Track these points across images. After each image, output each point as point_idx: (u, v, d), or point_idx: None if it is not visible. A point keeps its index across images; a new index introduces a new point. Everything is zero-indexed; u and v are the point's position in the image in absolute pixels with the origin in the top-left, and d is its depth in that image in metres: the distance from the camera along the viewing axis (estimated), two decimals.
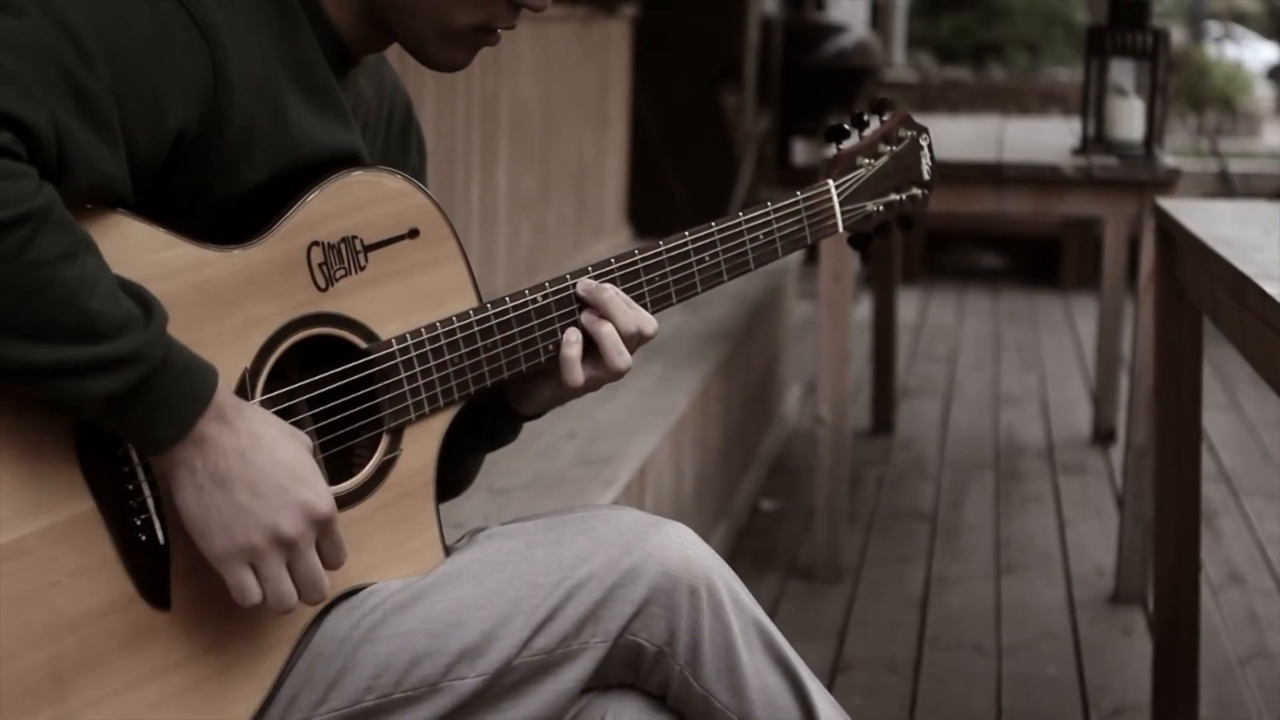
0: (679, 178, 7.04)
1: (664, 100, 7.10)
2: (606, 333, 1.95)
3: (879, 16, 13.38)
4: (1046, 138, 5.45)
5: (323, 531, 1.71)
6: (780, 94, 9.18)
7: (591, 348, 1.95)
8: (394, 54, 2.00)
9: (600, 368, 1.96)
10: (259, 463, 1.67)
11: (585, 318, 1.95)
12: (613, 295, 1.95)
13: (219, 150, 1.72)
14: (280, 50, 1.78)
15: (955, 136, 5.27)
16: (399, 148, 2.07)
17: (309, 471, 1.70)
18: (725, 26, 7.39)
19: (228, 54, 1.71)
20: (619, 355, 1.95)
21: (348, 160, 1.84)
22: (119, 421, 1.62)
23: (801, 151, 9.54)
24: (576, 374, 1.95)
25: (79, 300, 1.55)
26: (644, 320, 1.97)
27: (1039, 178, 4.59)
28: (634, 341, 1.97)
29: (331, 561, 1.73)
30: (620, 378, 1.97)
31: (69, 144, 1.58)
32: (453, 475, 2.04)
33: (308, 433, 1.85)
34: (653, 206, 6.85)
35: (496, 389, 1.97)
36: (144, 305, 1.61)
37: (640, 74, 6.96)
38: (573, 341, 1.94)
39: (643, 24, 6.94)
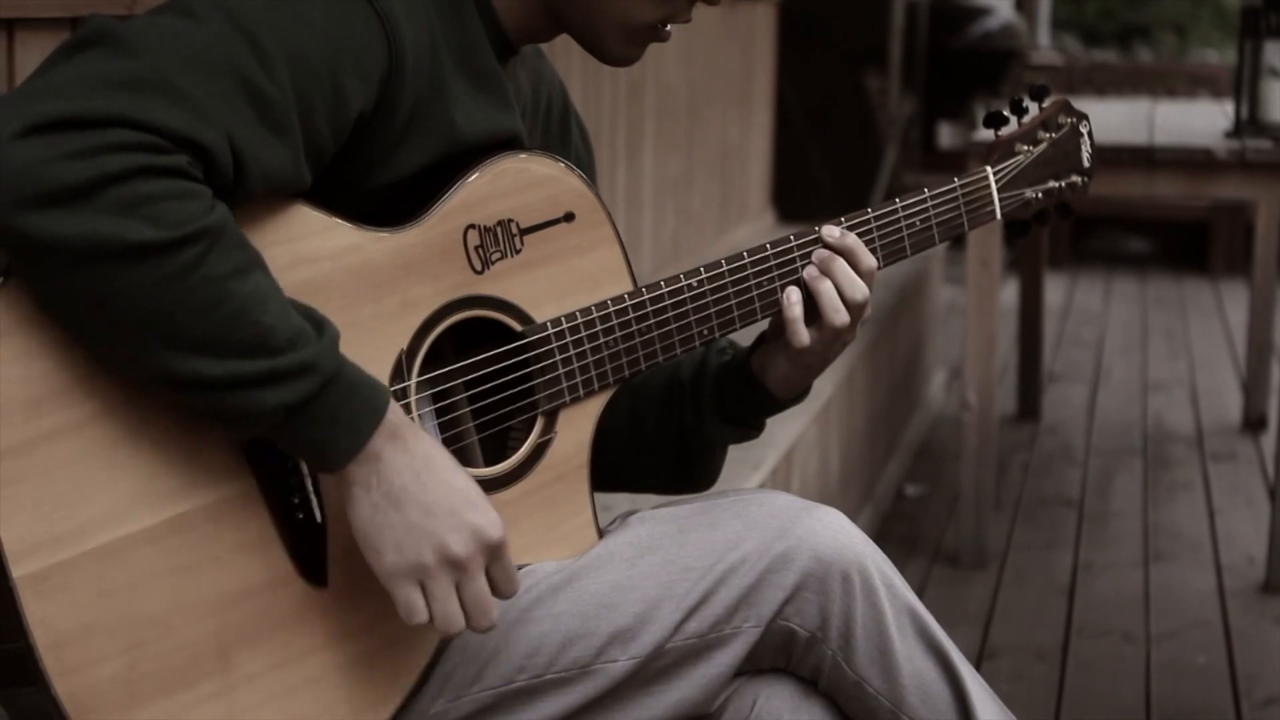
0: (823, 162, 7.01)
1: (808, 84, 7.06)
2: (825, 289, 1.96)
3: None
4: (1197, 120, 5.38)
5: (492, 557, 1.69)
6: (925, 77, 9.11)
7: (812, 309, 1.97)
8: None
9: (822, 328, 1.96)
10: (432, 484, 1.66)
11: (809, 273, 1.97)
12: (840, 255, 1.97)
13: (387, 133, 1.74)
14: (446, 32, 1.79)
15: (1105, 119, 5.21)
16: (558, 137, 2.08)
17: (481, 499, 1.69)
18: (870, 9, 7.33)
19: (403, 40, 1.72)
20: (835, 313, 1.95)
21: (507, 144, 1.85)
22: (293, 437, 1.62)
23: (946, 135, 9.45)
24: (802, 335, 1.95)
25: (251, 315, 1.56)
26: (869, 260, 1.99)
27: (1191, 160, 4.53)
28: (857, 309, 1.97)
29: (503, 590, 1.71)
30: (845, 336, 1.97)
31: (245, 155, 1.59)
32: (698, 471, 2.08)
33: (462, 414, 1.87)
34: (797, 191, 6.81)
35: (744, 377, 2.00)
36: (315, 322, 1.63)
37: (784, 57, 6.93)
38: (794, 302, 1.96)
39: (787, 7, 6.91)
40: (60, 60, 1.55)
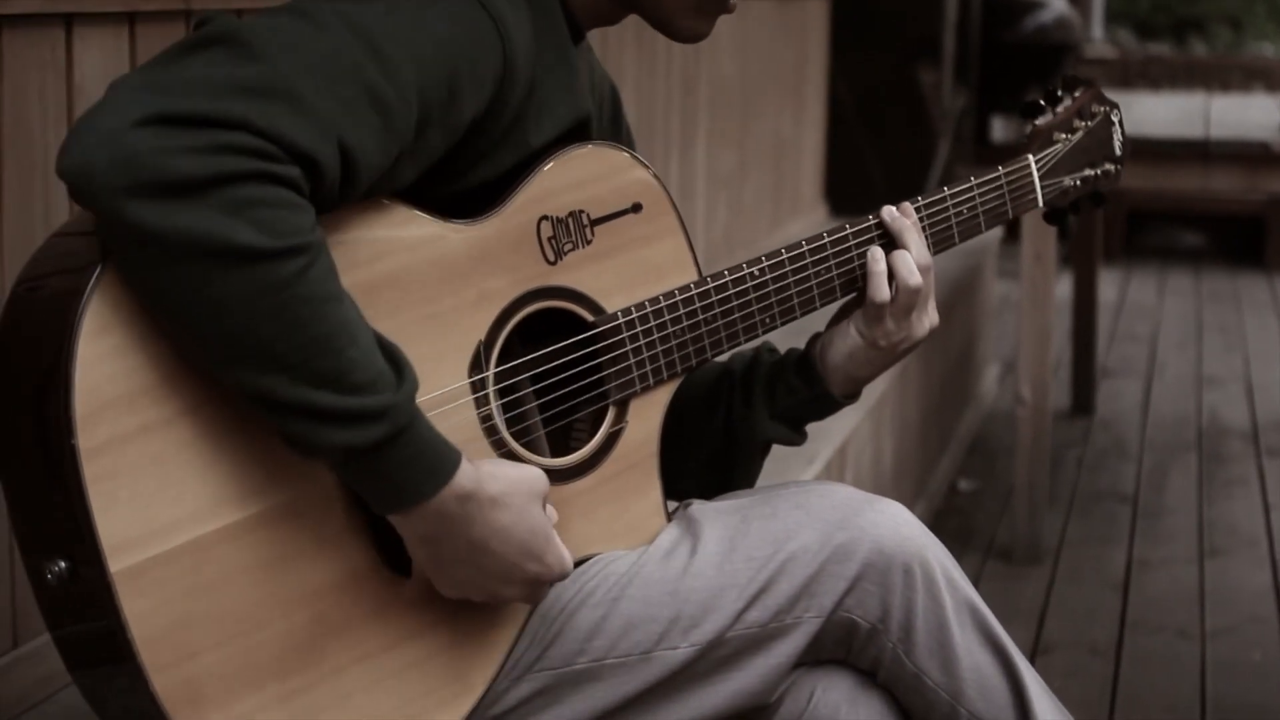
0: (875, 156, 7.00)
1: (861, 78, 7.06)
2: (900, 255, 1.98)
3: None
4: (1253, 114, 5.37)
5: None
6: (978, 71, 9.08)
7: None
8: (591, 36, 2.00)
9: (897, 298, 1.97)
10: (493, 548, 1.68)
11: (879, 251, 1.99)
12: (913, 225, 2.00)
13: (491, 135, 1.75)
14: (537, 27, 1.79)
15: (1160, 113, 5.21)
16: (609, 134, 2.08)
17: (540, 541, 1.71)
18: (924, 3, 7.32)
19: (515, 46, 1.72)
20: (911, 275, 1.97)
21: (578, 127, 1.86)
22: (353, 476, 1.62)
23: (1000, 129, 9.42)
24: (884, 289, 1.97)
25: (337, 343, 1.55)
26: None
27: (1247, 154, 4.52)
28: (927, 272, 1.99)
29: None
30: (915, 298, 1.98)
31: (359, 162, 1.59)
32: (736, 471, 2.07)
33: (529, 408, 1.87)
34: (849, 185, 6.81)
35: (801, 367, 2.01)
36: (396, 367, 1.62)
37: (838, 51, 6.92)
38: (879, 258, 1.98)
39: (841, 1, 6.90)
40: (183, 56, 1.54)
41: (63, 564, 1.56)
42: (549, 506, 1.73)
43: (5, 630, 2.36)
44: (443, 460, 1.63)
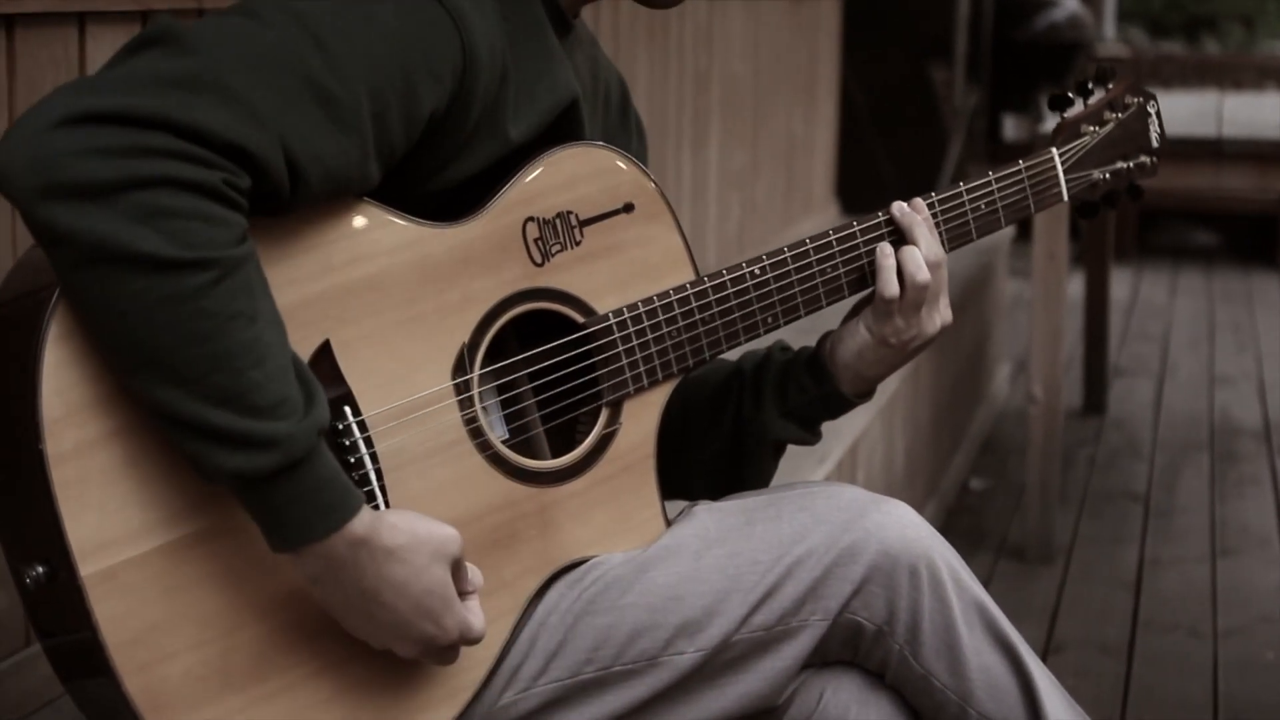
0: (887, 154, 6.99)
1: (873, 76, 7.05)
2: (908, 251, 1.96)
3: None
4: (1266, 113, 5.35)
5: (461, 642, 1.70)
6: (990, 69, 9.07)
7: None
8: (599, 33, 2.00)
9: (905, 293, 1.95)
10: (385, 601, 1.63)
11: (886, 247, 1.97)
12: (923, 220, 1.98)
13: (460, 131, 1.73)
14: (504, 16, 1.78)
15: (1172, 112, 5.17)
16: (618, 127, 2.07)
17: (438, 603, 1.65)
18: (936, 1, 7.31)
19: (475, 37, 1.71)
20: (919, 270, 1.95)
21: (565, 113, 1.84)
22: (248, 507, 1.57)
23: (1011, 127, 9.42)
24: (893, 284, 1.95)
25: (239, 363, 1.51)
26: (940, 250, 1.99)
27: (1260, 153, 4.50)
28: (937, 268, 1.97)
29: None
30: (924, 294, 1.95)
31: (304, 157, 1.57)
32: (748, 471, 2.05)
33: (529, 405, 1.87)
34: (861, 183, 6.80)
35: (812, 366, 1.99)
36: (309, 396, 1.57)
37: (850, 50, 6.92)
38: (888, 253, 1.96)
39: (853, 0, 6.90)
40: (124, 57, 1.54)
41: (40, 569, 1.56)
42: (472, 569, 1.69)
43: (17, 629, 2.37)
44: (340, 502, 1.58)
